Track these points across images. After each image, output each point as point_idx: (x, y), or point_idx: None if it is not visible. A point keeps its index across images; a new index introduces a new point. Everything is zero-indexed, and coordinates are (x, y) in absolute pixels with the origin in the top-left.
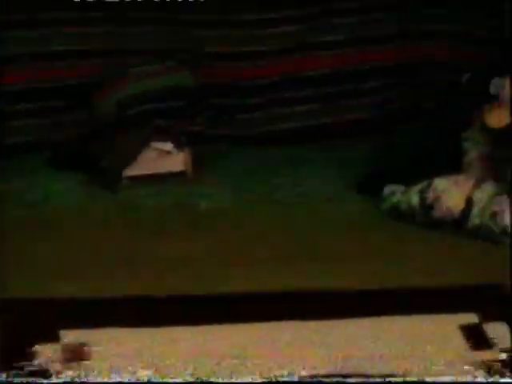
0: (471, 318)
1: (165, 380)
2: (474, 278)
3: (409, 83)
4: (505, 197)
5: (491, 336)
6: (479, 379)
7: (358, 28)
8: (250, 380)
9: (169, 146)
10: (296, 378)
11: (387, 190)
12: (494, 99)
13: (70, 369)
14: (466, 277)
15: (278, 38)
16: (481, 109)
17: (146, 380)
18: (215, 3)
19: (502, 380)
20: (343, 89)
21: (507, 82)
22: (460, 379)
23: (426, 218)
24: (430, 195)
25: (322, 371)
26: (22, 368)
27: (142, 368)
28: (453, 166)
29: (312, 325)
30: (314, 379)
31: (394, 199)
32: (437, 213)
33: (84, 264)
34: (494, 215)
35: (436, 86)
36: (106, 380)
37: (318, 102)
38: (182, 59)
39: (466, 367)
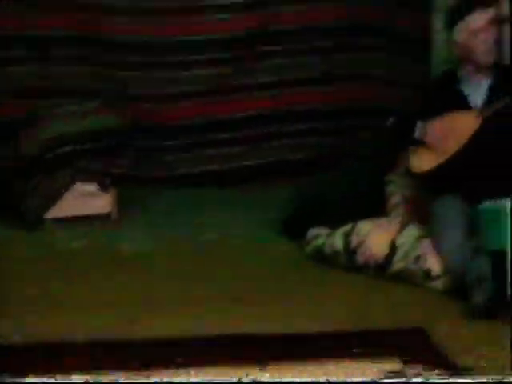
0: (394, 363)
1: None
2: (397, 322)
3: (333, 127)
4: (428, 240)
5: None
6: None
7: (282, 71)
8: None
9: (93, 187)
10: None
11: (311, 232)
12: (417, 143)
13: None
14: (388, 320)
15: (203, 80)
16: (405, 153)
17: None
18: (139, 44)
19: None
20: (267, 131)
21: (431, 125)
22: None
23: (349, 263)
24: (354, 239)
25: None
26: None
27: None
28: (376, 209)
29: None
30: None
31: (318, 242)
32: (360, 257)
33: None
34: (417, 259)
35: (360, 130)
36: None
37: (241, 145)
38: (105, 100)
39: None
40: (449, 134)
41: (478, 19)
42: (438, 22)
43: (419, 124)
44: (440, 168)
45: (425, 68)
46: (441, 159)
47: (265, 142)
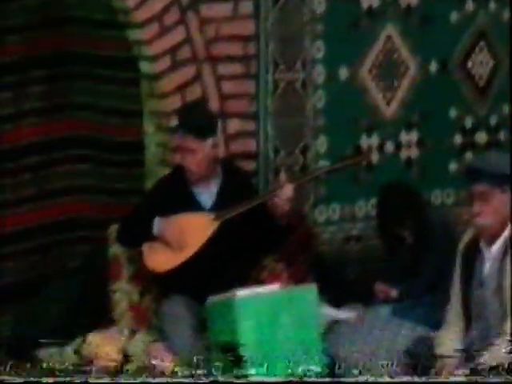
0: None
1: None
2: None
3: (52, 243)
4: (160, 344)
5: None
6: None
7: None
8: None
9: None
10: None
11: (42, 353)
12: (153, 239)
13: None
14: None
15: None
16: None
17: None
18: None
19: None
20: None
21: (168, 223)
22: None
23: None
24: (86, 352)
25: None
26: None
27: None
28: (104, 318)
29: None
30: None
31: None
32: (95, 367)
33: None
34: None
35: (81, 243)
36: None
37: None
38: None
39: None
40: (186, 233)
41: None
42: (149, 125)
43: (157, 220)
44: (175, 269)
45: (139, 171)
46: (176, 259)
47: None
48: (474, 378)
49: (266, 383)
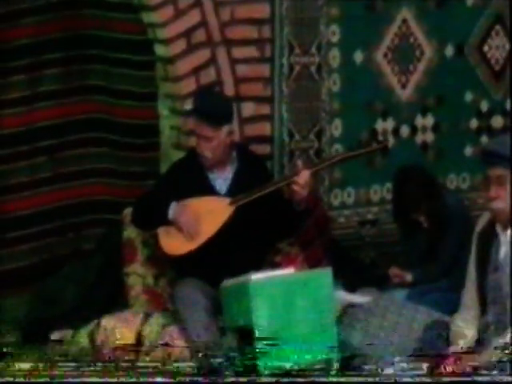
0: None
1: None
2: None
3: (68, 225)
4: (174, 327)
5: None
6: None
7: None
8: None
9: None
10: None
11: (57, 335)
12: (169, 223)
13: None
14: None
15: None
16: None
17: None
18: None
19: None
20: None
21: (184, 207)
22: None
23: (96, 359)
24: (100, 335)
25: None
26: None
27: None
28: (117, 301)
29: None
30: None
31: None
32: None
33: None
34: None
35: (96, 226)
36: None
37: None
38: None
39: None
40: (201, 218)
41: None
42: (163, 108)
43: (173, 205)
44: (191, 253)
45: (154, 154)
46: (193, 243)
47: None
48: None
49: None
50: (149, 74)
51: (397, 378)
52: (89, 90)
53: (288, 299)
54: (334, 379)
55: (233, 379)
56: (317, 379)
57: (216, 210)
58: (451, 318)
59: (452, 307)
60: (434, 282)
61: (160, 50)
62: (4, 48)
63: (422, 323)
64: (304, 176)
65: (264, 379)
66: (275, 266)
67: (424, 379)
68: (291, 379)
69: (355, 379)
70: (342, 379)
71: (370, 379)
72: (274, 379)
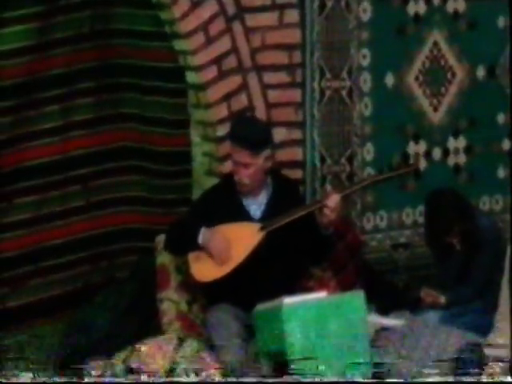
0: None
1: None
2: None
3: (101, 254)
4: (207, 353)
5: None
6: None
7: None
8: None
9: None
10: None
11: (91, 366)
12: (199, 248)
13: None
14: None
15: None
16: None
17: None
18: None
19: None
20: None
21: (214, 233)
22: None
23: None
24: (134, 362)
25: None
26: None
27: None
28: (150, 327)
29: None
30: None
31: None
32: (142, 377)
33: None
34: (200, 372)
35: (129, 254)
36: None
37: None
38: None
39: None
40: (232, 244)
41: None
42: (195, 135)
43: (203, 230)
44: (221, 279)
45: (186, 181)
46: (222, 269)
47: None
48: None
49: None
50: (181, 101)
51: None
52: (121, 118)
53: (321, 323)
54: None
55: None
56: None
57: (246, 236)
58: (485, 340)
59: (486, 330)
60: (467, 304)
61: (191, 77)
62: (37, 78)
63: (455, 346)
64: (334, 200)
65: None
66: (308, 290)
67: None
68: None
69: None
70: None
71: None
72: None
